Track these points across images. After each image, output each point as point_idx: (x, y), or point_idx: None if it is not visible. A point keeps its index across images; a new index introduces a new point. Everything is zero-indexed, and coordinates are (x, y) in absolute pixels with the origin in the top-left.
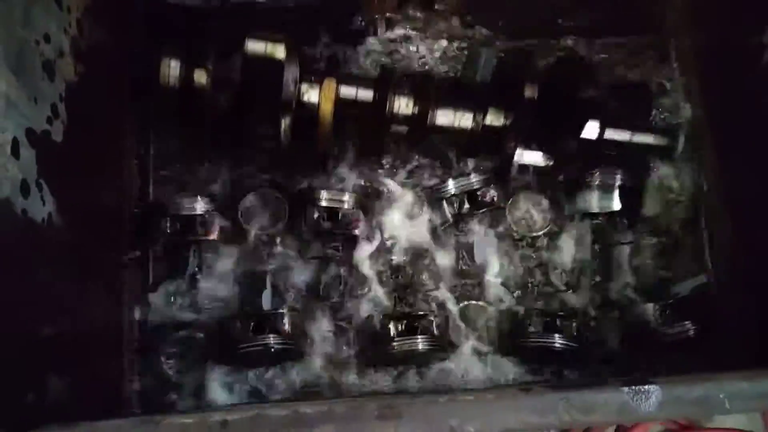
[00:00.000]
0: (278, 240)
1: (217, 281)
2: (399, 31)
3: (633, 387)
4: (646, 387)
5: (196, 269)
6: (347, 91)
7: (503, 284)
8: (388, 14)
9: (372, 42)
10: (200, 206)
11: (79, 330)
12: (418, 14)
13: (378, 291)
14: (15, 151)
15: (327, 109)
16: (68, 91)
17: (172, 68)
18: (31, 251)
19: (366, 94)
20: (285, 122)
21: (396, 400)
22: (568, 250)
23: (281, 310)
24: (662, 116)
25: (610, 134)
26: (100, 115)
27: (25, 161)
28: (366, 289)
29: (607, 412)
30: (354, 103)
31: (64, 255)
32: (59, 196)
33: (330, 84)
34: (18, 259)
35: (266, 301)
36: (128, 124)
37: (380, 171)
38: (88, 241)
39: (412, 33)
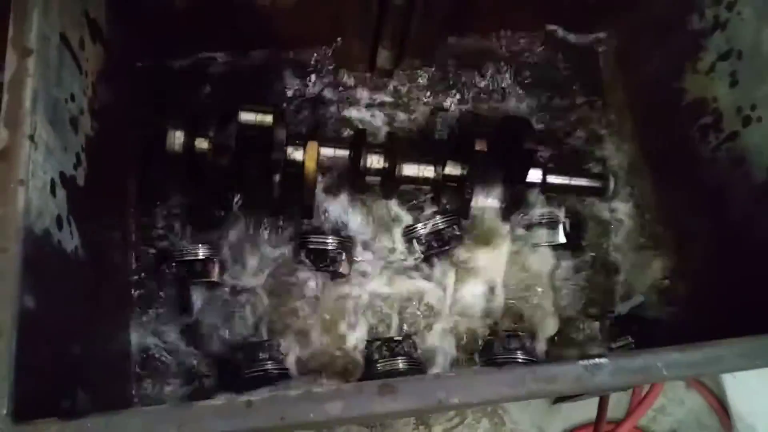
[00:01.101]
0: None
1: (217, 316)
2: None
3: (588, 361)
4: (598, 360)
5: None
6: (326, 151)
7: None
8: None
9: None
10: (201, 252)
11: (95, 352)
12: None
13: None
14: (53, 190)
15: (311, 166)
16: (87, 144)
17: (177, 137)
18: (64, 278)
19: (343, 153)
20: (275, 178)
21: (392, 380)
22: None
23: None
24: (600, 159)
25: (552, 179)
26: (110, 167)
27: (59, 200)
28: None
29: (566, 381)
30: (333, 158)
31: (86, 286)
32: (82, 233)
33: (312, 145)
34: (56, 284)
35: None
36: (131, 178)
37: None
38: (102, 278)
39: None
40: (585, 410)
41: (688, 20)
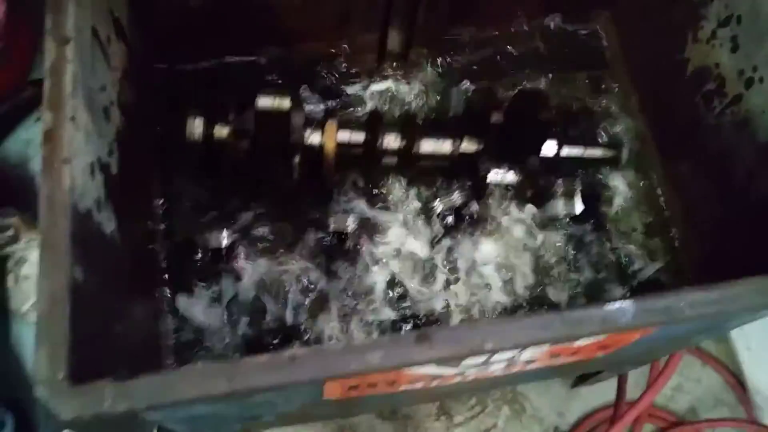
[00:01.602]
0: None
1: (243, 302)
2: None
3: (612, 304)
4: (623, 303)
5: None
6: (344, 134)
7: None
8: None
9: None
10: (225, 239)
11: (133, 332)
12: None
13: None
14: (92, 173)
15: (330, 146)
16: (117, 135)
17: (196, 125)
18: (105, 258)
19: (359, 136)
20: (295, 161)
21: (428, 330)
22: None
23: None
24: (610, 132)
25: (566, 151)
26: (136, 160)
27: (98, 183)
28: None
29: (593, 324)
30: (349, 143)
31: (123, 269)
32: (118, 219)
33: (331, 126)
34: (99, 262)
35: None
36: (155, 172)
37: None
38: (135, 265)
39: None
40: (604, 393)
41: None
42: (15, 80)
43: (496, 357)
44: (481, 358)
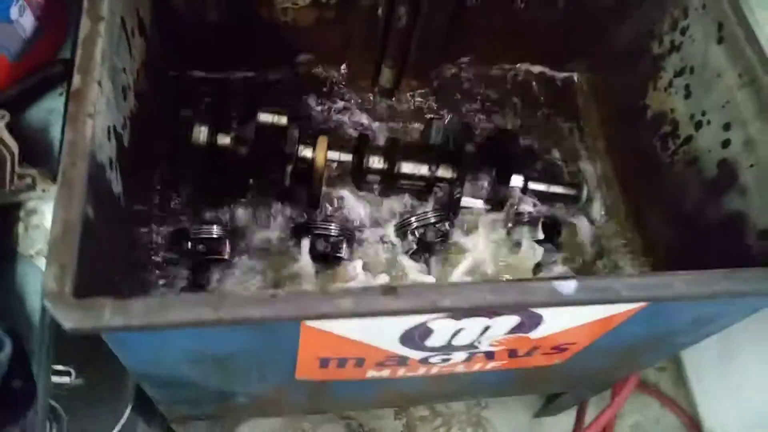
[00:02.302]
0: None
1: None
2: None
3: (559, 280)
4: (567, 280)
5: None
6: (332, 154)
7: None
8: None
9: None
10: (216, 231)
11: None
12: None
13: None
14: (109, 135)
15: (320, 157)
16: (130, 115)
17: (202, 131)
18: (112, 211)
19: (347, 155)
20: (288, 170)
21: (395, 284)
22: None
23: None
24: (577, 171)
25: (532, 186)
26: (143, 143)
27: (113, 145)
28: None
29: (542, 294)
30: (338, 161)
31: (123, 231)
32: (122, 185)
33: (323, 139)
34: (107, 211)
35: None
36: (158, 164)
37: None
38: (133, 238)
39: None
40: (565, 426)
41: (649, 47)
42: (46, 55)
43: (458, 339)
44: (444, 336)
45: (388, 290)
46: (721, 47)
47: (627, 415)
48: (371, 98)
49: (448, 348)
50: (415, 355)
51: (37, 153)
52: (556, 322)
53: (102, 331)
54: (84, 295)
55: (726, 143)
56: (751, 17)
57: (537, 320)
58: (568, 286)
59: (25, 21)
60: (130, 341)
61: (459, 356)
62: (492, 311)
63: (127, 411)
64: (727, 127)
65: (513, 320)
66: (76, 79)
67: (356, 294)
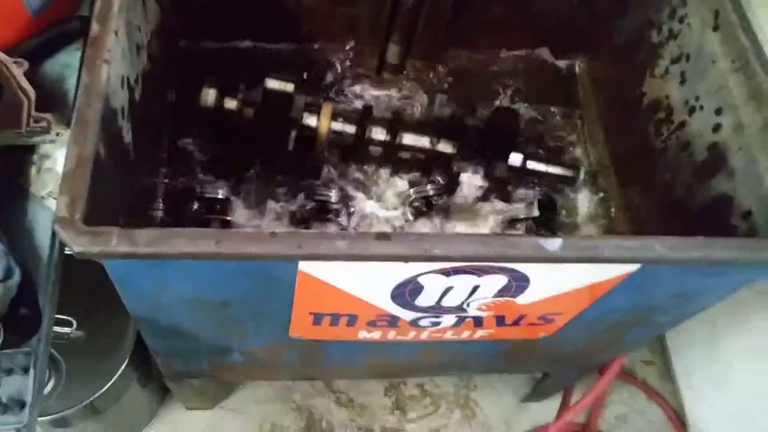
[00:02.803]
0: None
1: None
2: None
3: (546, 236)
4: (553, 238)
5: None
6: (336, 124)
7: None
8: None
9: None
10: (221, 191)
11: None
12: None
13: None
14: (122, 84)
15: (324, 124)
16: (143, 74)
17: (210, 94)
18: (121, 156)
19: (351, 126)
20: (292, 134)
21: (388, 232)
22: None
23: None
24: (574, 155)
25: (531, 165)
26: (152, 105)
27: (125, 94)
28: None
29: (527, 248)
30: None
31: (130, 179)
32: (133, 137)
33: (328, 107)
34: (116, 155)
35: None
36: (167, 125)
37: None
38: (137, 193)
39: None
40: (551, 411)
41: (648, 36)
42: (66, 10)
43: (447, 300)
44: (434, 294)
45: (382, 236)
46: (716, 34)
47: (612, 406)
48: (377, 76)
49: (437, 309)
50: (406, 315)
51: (53, 101)
52: (542, 285)
53: (108, 257)
54: (93, 223)
55: (717, 127)
56: (753, 18)
57: (524, 282)
58: (554, 243)
59: None
60: (133, 274)
61: (448, 320)
62: (480, 269)
63: (123, 365)
64: (718, 111)
65: (501, 280)
66: (95, 27)
67: (352, 237)
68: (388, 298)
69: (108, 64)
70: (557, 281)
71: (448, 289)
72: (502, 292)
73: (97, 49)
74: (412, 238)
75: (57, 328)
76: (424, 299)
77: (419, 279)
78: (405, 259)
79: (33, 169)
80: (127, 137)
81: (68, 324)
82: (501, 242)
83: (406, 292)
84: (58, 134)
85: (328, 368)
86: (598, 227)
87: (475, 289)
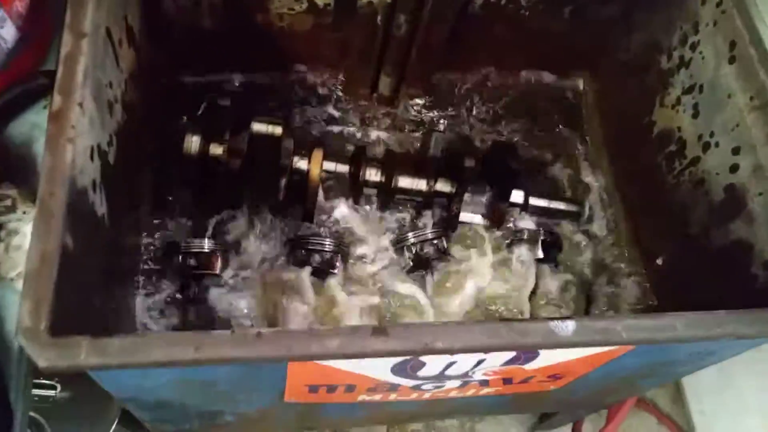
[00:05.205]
0: None
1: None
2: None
3: (556, 320)
4: (565, 321)
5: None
6: (329, 165)
7: None
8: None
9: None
10: (207, 245)
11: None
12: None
13: None
14: (92, 156)
15: (315, 171)
16: (117, 130)
17: (194, 141)
18: (94, 236)
19: (344, 167)
20: (282, 182)
21: (385, 325)
22: None
23: None
24: (579, 185)
25: (533, 201)
26: (131, 158)
27: (96, 166)
28: None
29: (536, 335)
30: (335, 172)
31: (107, 252)
32: (108, 205)
33: (318, 152)
34: (88, 238)
35: None
36: (147, 174)
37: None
38: (119, 252)
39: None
40: None
41: (657, 61)
42: (30, 66)
43: (451, 371)
44: (437, 368)
45: (379, 331)
46: (732, 67)
47: (623, 430)
48: (369, 106)
49: (441, 377)
50: (407, 383)
51: (20, 170)
52: (552, 356)
53: (78, 370)
54: (60, 331)
55: (734, 168)
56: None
57: (533, 355)
58: (566, 327)
59: (6, 32)
60: (110, 374)
61: (452, 384)
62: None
63: (113, 426)
64: (736, 151)
65: (508, 355)
66: (57, 101)
67: (345, 334)
68: (389, 373)
69: (72, 143)
70: (569, 351)
71: (451, 363)
72: (510, 363)
73: (60, 126)
74: (411, 331)
75: (40, 392)
76: (426, 372)
77: (421, 358)
78: (404, 354)
79: (1, 248)
80: (101, 209)
81: (52, 387)
82: (509, 330)
83: (407, 368)
84: (24, 213)
85: (327, 422)
86: (606, 263)
87: (480, 361)
